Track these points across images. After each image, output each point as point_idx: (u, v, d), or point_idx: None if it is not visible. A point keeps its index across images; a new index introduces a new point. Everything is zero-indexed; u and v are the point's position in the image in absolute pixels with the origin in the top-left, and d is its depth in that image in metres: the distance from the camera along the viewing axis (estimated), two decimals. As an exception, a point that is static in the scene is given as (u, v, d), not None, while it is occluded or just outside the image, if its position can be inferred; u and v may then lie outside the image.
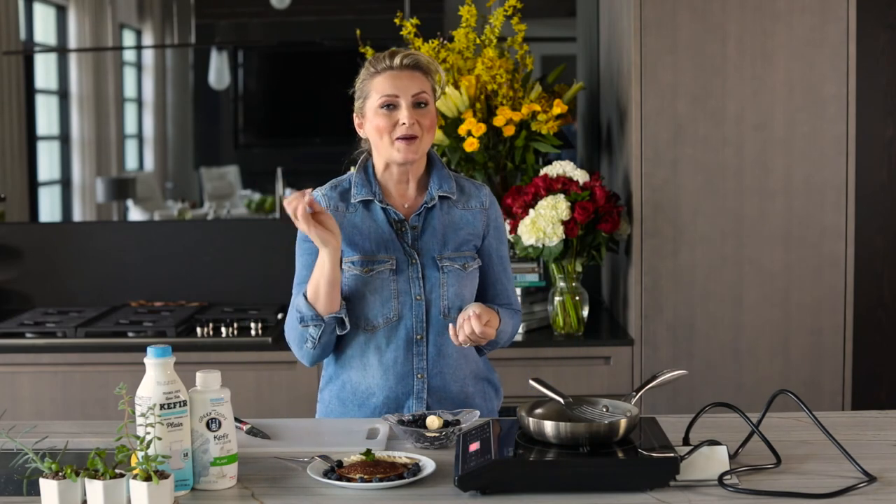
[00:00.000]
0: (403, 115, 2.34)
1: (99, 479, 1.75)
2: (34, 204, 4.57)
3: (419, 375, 2.41)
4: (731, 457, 2.00)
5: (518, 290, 3.36)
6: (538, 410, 2.03)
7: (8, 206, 4.30)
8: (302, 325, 2.36)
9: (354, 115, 2.43)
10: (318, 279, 2.32)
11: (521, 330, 3.45)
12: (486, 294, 2.50)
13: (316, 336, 2.36)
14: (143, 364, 1.90)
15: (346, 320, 2.36)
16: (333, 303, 2.33)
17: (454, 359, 2.43)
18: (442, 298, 2.40)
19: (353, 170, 2.48)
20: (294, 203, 2.23)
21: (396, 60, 2.37)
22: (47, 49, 4.72)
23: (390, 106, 2.36)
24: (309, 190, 2.26)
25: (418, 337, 2.41)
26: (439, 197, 2.44)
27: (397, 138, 2.35)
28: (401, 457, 2.02)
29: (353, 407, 2.45)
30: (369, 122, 2.38)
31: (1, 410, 2.57)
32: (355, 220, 2.42)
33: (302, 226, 2.25)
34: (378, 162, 2.43)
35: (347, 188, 2.44)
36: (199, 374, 1.95)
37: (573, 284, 3.46)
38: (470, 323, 2.28)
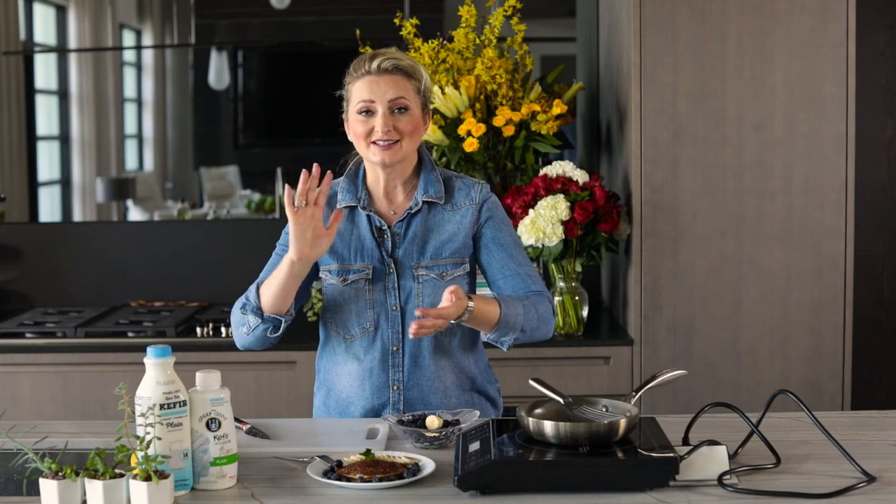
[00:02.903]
0: (378, 121, 2.31)
1: (99, 479, 1.75)
2: (34, 204, 4.57)
3: (395, 387, 2.39)
4: (731, 457, 2.00)
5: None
6: (538, 410, 2.03)
7: (8, 206, 4.30)
8: (242, 311, 2.33)
9: (343, 116, 2.41)
10: (275, 280, 2.27)
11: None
12: (497, 285, 2.42)
13: (252, 326, 2.32)
14: (143, 364, 1.90)
15: (283, 327, 2.32)
16: (279, 306, 2.30)
17: (431, 370, 2.39)
18: (416, 308, 2.33)
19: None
20: (308, 182, 2.18)
21: (374, 64, 2.33)
22: (47, 49, 4.72)
23: (367, 112, 2.33)
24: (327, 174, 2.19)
25: (395, 348, 2.38)
26: (426, 201, 2.40)
27: (372, 142, 2.32)
28: (400, 457, 2.02)
29: (335, 415, 2.45)
30: (350, 126, 2.37)
31: (1, 410, 2.57)
32: (339, 226, 2.38)
33: (293, 209, 2.18)
34: (367, 165, 2.41)
35: (335, 194, 2.42)
36: (198, 374, 1.95)
37: (573, 284, 3.46)
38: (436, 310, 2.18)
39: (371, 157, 2.34)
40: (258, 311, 2.30)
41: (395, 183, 2.40)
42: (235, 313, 2.36)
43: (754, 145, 3.37)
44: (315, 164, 2.21)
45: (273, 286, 2.28)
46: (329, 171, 2.24)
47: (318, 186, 2.22)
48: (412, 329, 2.17)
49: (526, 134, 3.57)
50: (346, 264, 2.39)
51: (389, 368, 2.39)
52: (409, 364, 2.39)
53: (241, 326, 2.35)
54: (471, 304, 2.24)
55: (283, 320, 2.31)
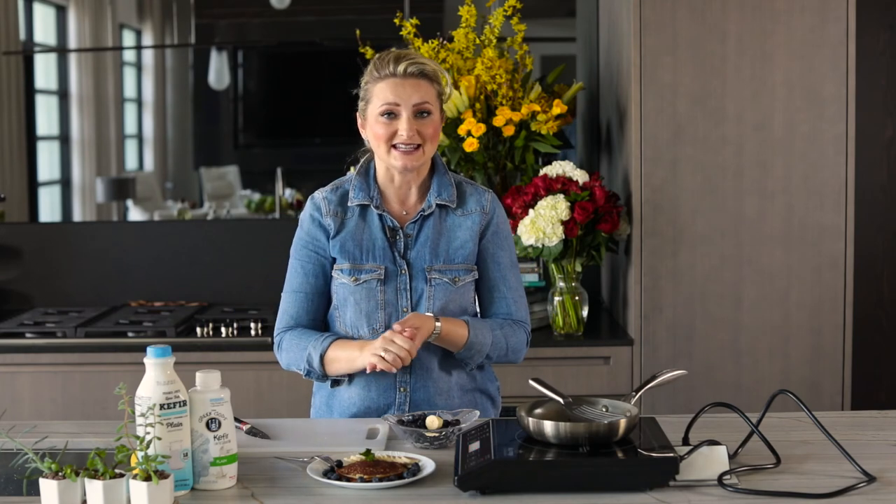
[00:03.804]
0: (403, 125, 2.30)
1: (99, 479, 1.75)
2: (34, 204, 4.57)
3: (402, 389, 2.39)
4: (731, 457, 2.00)
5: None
6: (538, 410, 2.03)
7: (8, 206, 4.30)
8: (305, 374, 2.40)
9: (358, 114, 2.40)
10: (344, 363, 2.34)
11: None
12: (483, 301, 2.46)
13: (309, 377, 2.42)
14: (143, 364, 1.90)
15: (346, 380, 2.41)
16: (342, 373, 2.38)
17: (437, 372, 2.39)
18: (427, 311, 2.35)
19: (353, 170, 2.46)
20: (399, 349, 2.22)
21: (401, 68, 2.31)
22: (47, 49, 4.72)
23: (391, 114, 2.31)
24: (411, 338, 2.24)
25: None
26: (439, 205, 2.40)
27: (393, 146, 2.32)
28: (400, 457, 2.02)
29: (337, 415, 2.44)
30: (370, 127, 2.35)
31: (1, 410, 2.57)
32: (350, 224, 2.39)
33: (380, 362, 2.23)
34: (379, 165, 2.40)
35: (347, 191, 2.41)
36: (198, 374, 1.95)
37: (573, 284, 3.46)
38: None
39: (392, 162, 2.34)
40: (324, 378, 2.40)
41: (410, 185, 2.40)
42: (291, 352, 2.40)
43: (754, 145, 3.37)
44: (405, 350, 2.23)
45: (343, 368, 2.35)
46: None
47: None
48: (369, 365, 2.25)
49: (526, 134, 3.57)
50: (357, 264, 2.37)
51: (398, 370, 2.38)
52: (418, 366, 2.38)
53: (298, 369, 2.41)
54: (438, 325, 2.30)
55: (345, 380, 2.41)
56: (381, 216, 2.39)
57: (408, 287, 2.37)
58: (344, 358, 2.33)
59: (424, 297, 2.36)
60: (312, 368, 2.36)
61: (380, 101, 2.32)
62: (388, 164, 2.35)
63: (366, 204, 2.39)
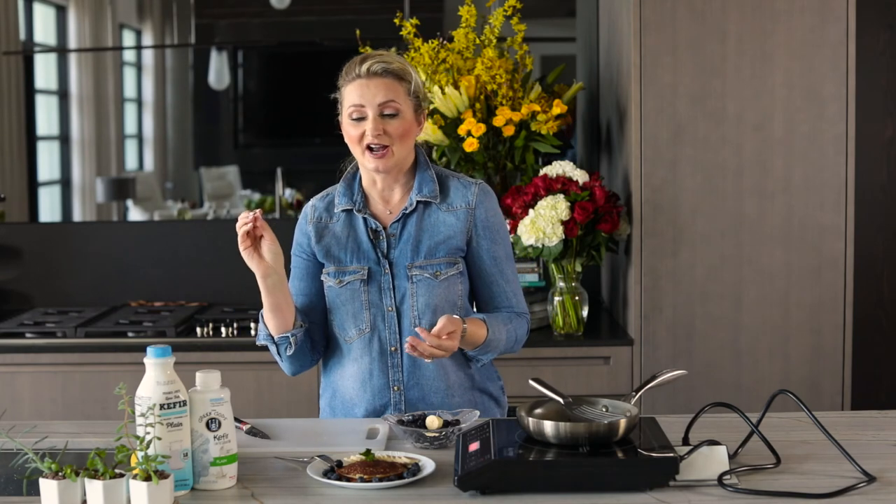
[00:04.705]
0: (369, 125, 2.31)
1: (99, 479, 1.75)
2: (34, 204, 4.57)
3: (395, 388, 2.39)
4: (731, 457, 2.00)
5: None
6: (538, 410, 2.04)
7: (8, 206, 4.30)
8: (258, 342, 2.41)
9: (339, 119, 2.41)
10: (264, 303, 2.35)
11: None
12: (481, 297, 2.46)
13: (275, 352, 2.41)
14: (143, 364, 1.90)
15: (296, 340, 2.36)
16: (282, 324, 2.36)
17: (431, 370, 2.38)
18: (412, 309, 2.36)
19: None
20: (241, 223, 2.25)
21: (364, 68, 2.33)
22: (47, 49, 4.72)
23: (359, 116, 2.33)
24: (258, 211, 2.26)
25: (392, 349, 2.38)
26: (420, 201, 2.39)
27: (368, 148, 2.33)
28: (400, 457, 2.02)
29: (340, 416, 2.45)
30: (344, 130, 2.37)
31: (1, 410, 2.57)
32: (336, 229, 2.41)
33: (240, 247, 2.27)
34: (362, 168, 2.42)
35: (335, 197, 2.44)
36: (198, 374, 1.95)
37: (573, 284, 3.46)
38: (423, 340, 2.23)
39: (366, 164, 2.35)
40: (269, 337, 2.38)
41: (391, 184, 2.41)
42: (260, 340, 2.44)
43: (754, 145, 3.37)
44: (258, 210, 2.27)
45: (266, 310, 2.36)
46: (260, 210, 2.29)
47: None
48: (407, 346, 2.25)
49: (526, 134, 3.57)
50: (342, 266, 2.40)
51: (389, 369, 2.39)
52: (409, 364, 2.39)
53: (275, 357, 2.42)
54: (464, 326, 2.30)
55: (291, 335, 2.36)
56: (364, 219, 2.40)
57: (391, 286, 2.37)
58: (263, 299, 2.34)
59: (408, 295, 2.37)
60: (260, 331, 2.39)
61: (348, 104, 2.34)
62: (364, 165, 2.37)
63: (349, 208, 2.41)
